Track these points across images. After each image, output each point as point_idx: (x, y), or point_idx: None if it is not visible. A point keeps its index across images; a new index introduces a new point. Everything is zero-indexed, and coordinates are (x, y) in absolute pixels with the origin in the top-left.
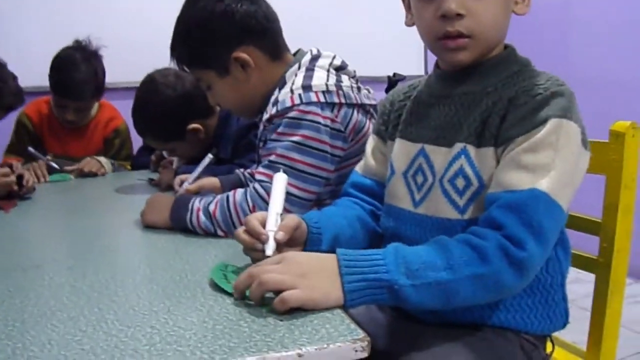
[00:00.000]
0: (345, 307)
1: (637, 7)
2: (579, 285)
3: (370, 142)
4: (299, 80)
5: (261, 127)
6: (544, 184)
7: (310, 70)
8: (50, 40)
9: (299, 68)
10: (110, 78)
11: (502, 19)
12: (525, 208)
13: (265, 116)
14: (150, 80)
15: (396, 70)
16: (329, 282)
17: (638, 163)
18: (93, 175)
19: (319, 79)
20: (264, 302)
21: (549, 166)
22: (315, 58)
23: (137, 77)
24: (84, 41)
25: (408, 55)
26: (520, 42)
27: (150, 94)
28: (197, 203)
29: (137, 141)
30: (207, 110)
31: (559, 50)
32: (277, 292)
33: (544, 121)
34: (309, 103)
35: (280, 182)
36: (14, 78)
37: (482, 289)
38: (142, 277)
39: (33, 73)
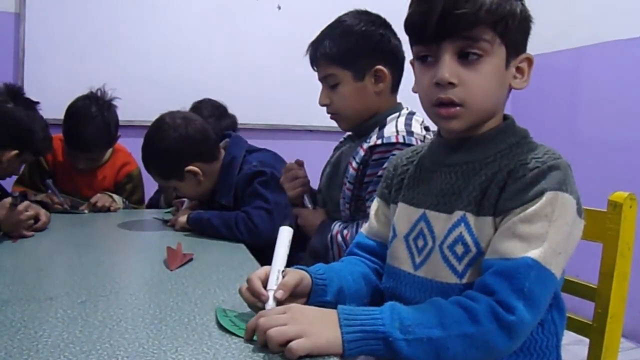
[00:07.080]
0: (343, 356)
1: None
2: (581, 347)
3: (374, 205)
4: (402, 123)
5: (361, 152)
6: (536, 253)
7: (410, 116)
8: (69, 74)
9: (399, 116)
10: (127, 116)
11: (495, 91)
12: (517, 275)
13: (366, 145)
14: (160, 119)
15: None
16: (331, 331)
17: (634, 232)
18: (106, 210)
19: (417, 128)
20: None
21: (543, 236)
22: (412, 113)
23: (153, 115)
24: (99, 90)
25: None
26: (527, 108)
27: (155, 132)
28: (337, 226)
29: (153, 184)
30: (208, 156)
31: (566, 115)
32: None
33: (540, 194)
34: (410, 146)
35: (284, 237)
36: (46, 125)
37: (471, 347)
38: (152, 317)
39: (50, 105)
